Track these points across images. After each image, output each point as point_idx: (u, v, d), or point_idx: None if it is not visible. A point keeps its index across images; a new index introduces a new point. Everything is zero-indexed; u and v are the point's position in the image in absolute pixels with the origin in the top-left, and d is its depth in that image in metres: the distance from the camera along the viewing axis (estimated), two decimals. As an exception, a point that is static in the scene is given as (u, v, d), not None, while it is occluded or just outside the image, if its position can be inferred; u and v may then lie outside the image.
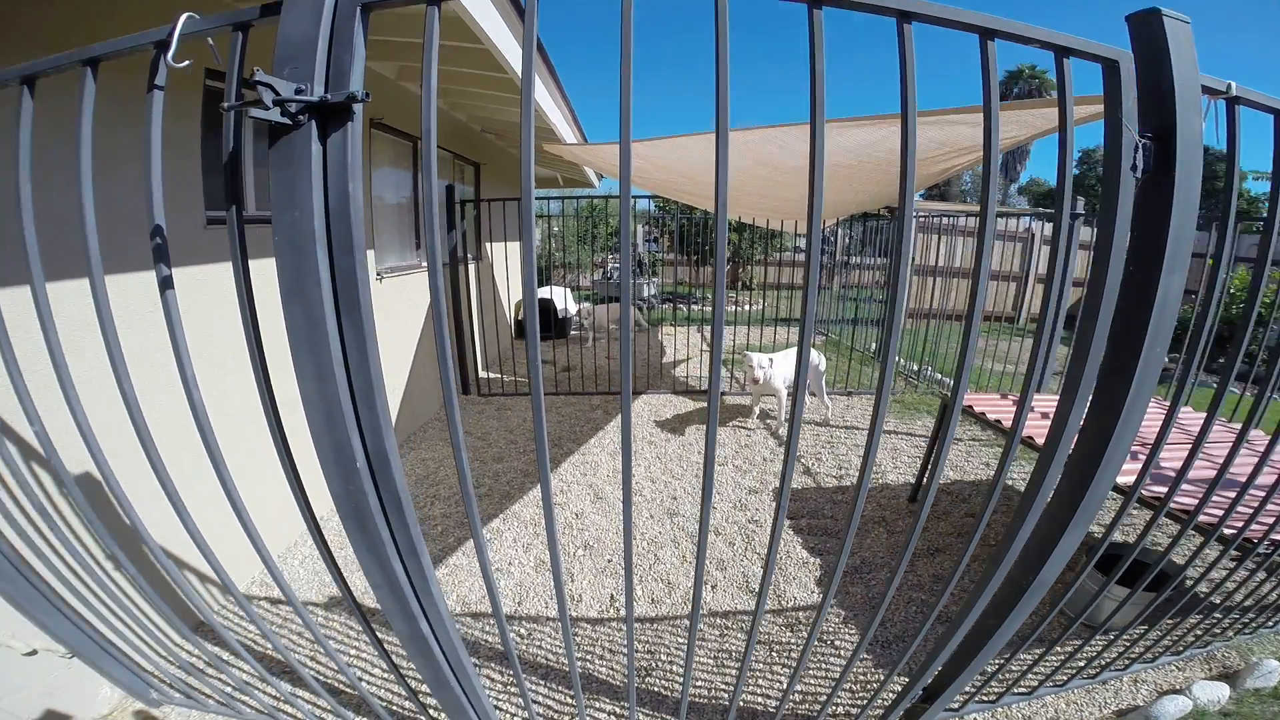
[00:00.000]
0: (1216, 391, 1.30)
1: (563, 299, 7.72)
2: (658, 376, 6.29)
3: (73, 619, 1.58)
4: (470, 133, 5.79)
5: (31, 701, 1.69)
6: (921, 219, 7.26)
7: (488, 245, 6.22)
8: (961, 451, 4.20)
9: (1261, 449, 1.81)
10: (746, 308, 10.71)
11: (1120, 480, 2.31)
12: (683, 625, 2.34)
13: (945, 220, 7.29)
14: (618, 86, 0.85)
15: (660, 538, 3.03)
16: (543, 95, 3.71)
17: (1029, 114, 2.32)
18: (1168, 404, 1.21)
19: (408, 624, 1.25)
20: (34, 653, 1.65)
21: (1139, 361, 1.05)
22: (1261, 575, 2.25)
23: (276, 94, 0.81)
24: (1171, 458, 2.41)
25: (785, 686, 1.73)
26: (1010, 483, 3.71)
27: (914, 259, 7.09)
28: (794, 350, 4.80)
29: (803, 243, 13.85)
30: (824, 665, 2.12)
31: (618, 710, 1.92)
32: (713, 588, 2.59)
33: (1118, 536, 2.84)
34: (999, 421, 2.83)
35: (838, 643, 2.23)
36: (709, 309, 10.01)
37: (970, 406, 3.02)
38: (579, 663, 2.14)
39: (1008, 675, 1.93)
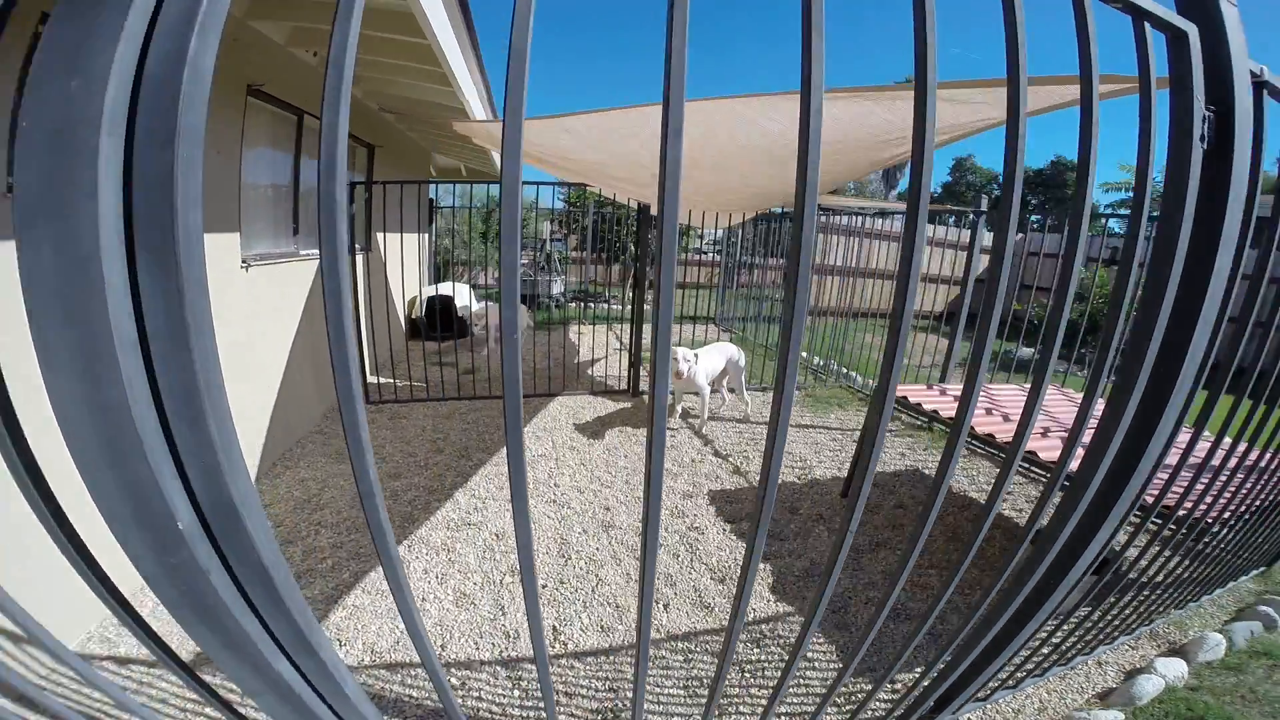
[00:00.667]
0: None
1: (466, 297, 7.16)
2: (574, 377, 5.98)
3: None
4: (366, 111, 5.13)
5: None
6: (822, 220, 7.59)
7: (379, 236, 5.55)
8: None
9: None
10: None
11: (1045, 457, 2.43)
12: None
13: (840, 219, 7.68)
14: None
15: (599, 555, 2.77)
16: (459, 65, 3.29)
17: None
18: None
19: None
20: None
21: (1186, 355, 0.98)
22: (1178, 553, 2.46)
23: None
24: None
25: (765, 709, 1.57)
26: (958, 485, 3.88)
27: (815, 258, 7.39)
28: (713, 347, 4.74)
29: (701, 242, 14.16)
30: (802, 682, 1.99)
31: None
32: (665, 607, 2.38)
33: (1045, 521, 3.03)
34: (936, 411, 2.90)
35: (810, 654, 2.12)
36: (617, 307, 9.90)
37: (905, 397, 3.09)
38: (532, 712, 1.84)
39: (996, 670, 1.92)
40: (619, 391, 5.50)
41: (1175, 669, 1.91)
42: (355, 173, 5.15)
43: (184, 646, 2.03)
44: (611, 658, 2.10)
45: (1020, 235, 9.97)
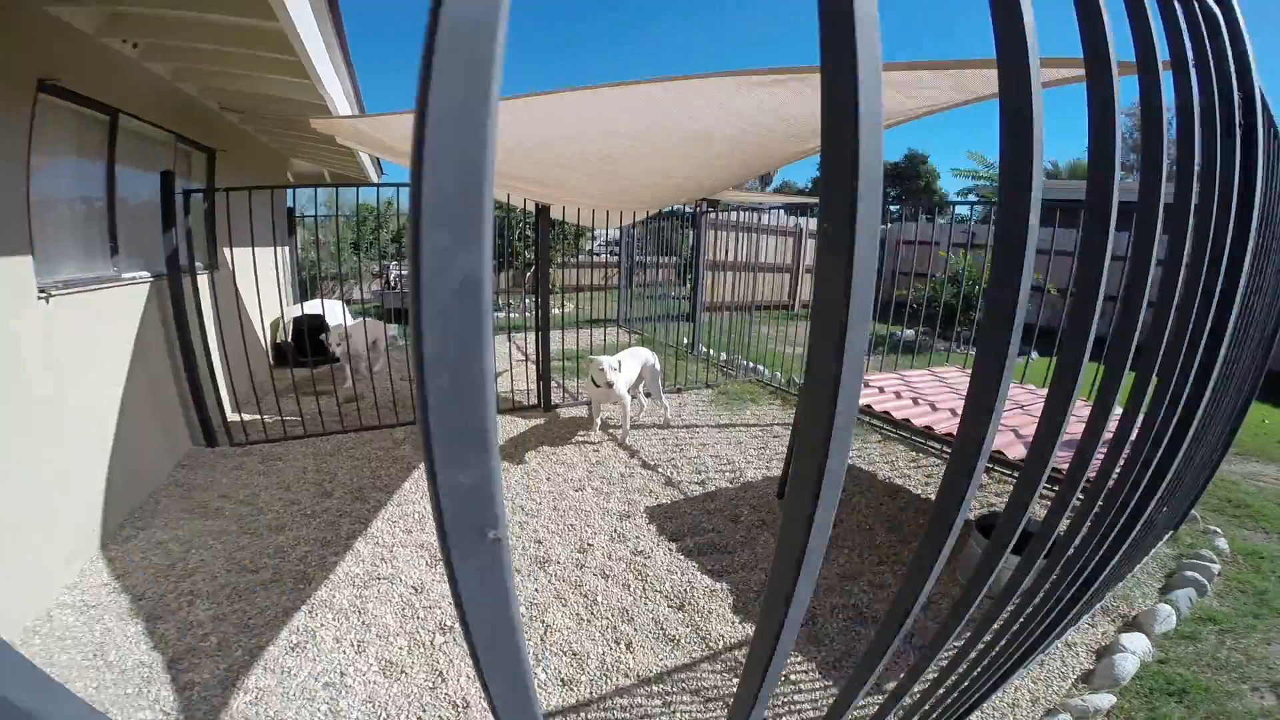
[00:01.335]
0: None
1: (339, 315, 6.35)
2: (476, 396, 5.50)
3: None
4: (204, 111, 4.31)
5: None
6: (713, 218, 7.72)
7: (227, 251, 4.70)
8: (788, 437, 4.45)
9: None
10: (556, 311, 10.29)
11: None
12: (617, 706, 1.87)
13: (733, 216, 7.88)
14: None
15: (539, 598, 2.47)
16: (319, 52, 2.78)
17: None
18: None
19: None
20: None
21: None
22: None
23: None
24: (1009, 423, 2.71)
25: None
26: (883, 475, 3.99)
27: (710, 255, 7.51)
28: (628, 352, 4.57)
29: (593, 244, 13.97)
30: (790, 704, 1.87)
31: None
32: (628, 647, 2.16)
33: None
34: (887, 413, 2.91)
35: (792, 677, 2.01)
36: (516, 316, 9.39)
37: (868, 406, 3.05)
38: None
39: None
40: (529, 407, 5.15)
41: (1139, 644, 2.04)
42: (190, 179, 4.31)
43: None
44: (583, 714, 1.84)
45: (884, 226, 10.95)
